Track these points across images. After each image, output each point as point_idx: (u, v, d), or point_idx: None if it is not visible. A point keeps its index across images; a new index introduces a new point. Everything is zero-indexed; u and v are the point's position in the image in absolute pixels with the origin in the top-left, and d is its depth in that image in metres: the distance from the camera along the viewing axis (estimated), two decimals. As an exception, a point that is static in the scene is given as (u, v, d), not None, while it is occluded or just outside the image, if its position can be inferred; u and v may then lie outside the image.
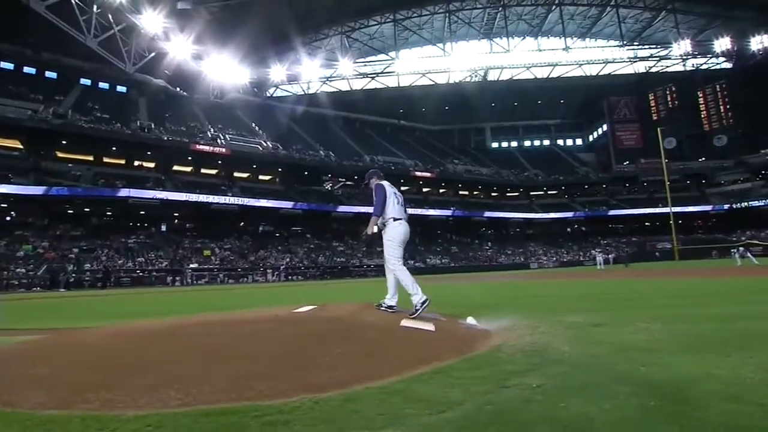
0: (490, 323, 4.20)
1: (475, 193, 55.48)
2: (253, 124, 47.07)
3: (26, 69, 38.58)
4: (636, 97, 59.44)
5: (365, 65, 55.52)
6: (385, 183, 4.39)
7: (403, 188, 49.07)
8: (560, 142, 69.79)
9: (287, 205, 39.16)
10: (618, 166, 57.71)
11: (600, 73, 58.62)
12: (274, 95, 56.47)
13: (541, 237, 51.23)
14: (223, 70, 45.66)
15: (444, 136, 65.41)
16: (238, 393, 2.04)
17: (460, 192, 54.40)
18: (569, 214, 53.19)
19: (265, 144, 42.42)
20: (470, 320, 4.35)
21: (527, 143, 69.45)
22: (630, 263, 30.02)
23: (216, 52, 43.33)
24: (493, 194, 55.91)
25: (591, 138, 68.75)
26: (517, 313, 5.05)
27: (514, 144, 69.18)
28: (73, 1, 33.00)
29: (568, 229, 53.90)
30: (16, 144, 31.61)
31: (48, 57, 38.89)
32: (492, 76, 59.53)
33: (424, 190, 51.81)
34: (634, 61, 57.82)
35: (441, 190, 53.36)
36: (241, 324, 3.35)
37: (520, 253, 46.44)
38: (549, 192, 57.01)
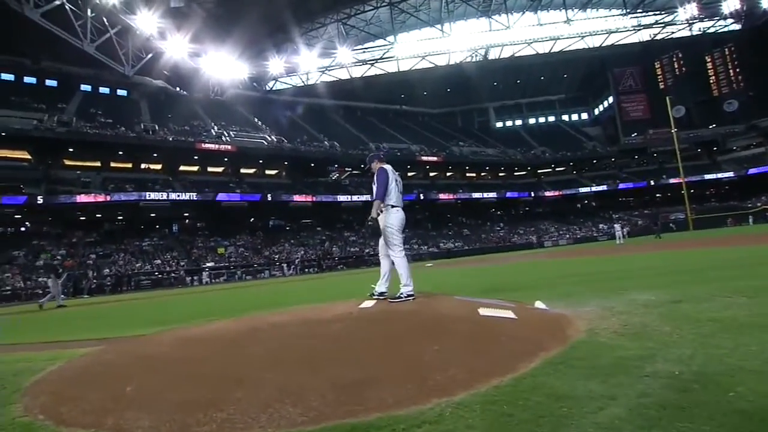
0: (559, 307, 4.03)
1: (482, 174, 54.94)
2: (256, 119, 46.74)
3: (26, 79, 38.47)
4: (641, 67, 58.08)
5: (364, 52, 54.67)
6: (388, 167, 4.35)
7: (409, 173, 48.72)
8: (565, 117, 68.60)
9: (296, 198, 39.04)
10: (626, 138, 56.76)
11: (603, 44, 57.20)
12: (274, 89, 55.86)
13: (551, 215, 50.82)
14: (222, 66, 45.21)
15: (447, 119, 64.63)
16: (361, 404, 1.88)
17: (468, 174, 53.90)
18: (579, 190, 52.65)
19: (269, 138, 42.15)
20: (539, 304, 4.18)
21: (532, 121, 68.26)
22: (662, 234, 28.44)
23: (213, 49, 42.88)
24: (501, 174, 55.32)
25: (597, 112, 67.51)
26: (576, 294, 4.87)
27: (518, 122, 68.06)
28: (66, 7, 32.66)
29: (579, 205, 53.37)
30: (25, 155, 31.64)
31: (47, 65, 38.74)
32: (493, 54, 58.38)
33: (431, 174, 51.43)
34: (638, 30, 56.22)
35: (448, 174, 52.93)
36: (320, 324, 3.19)
37: (532, 232, 46.13)
38: (557, 169, 56.33)
